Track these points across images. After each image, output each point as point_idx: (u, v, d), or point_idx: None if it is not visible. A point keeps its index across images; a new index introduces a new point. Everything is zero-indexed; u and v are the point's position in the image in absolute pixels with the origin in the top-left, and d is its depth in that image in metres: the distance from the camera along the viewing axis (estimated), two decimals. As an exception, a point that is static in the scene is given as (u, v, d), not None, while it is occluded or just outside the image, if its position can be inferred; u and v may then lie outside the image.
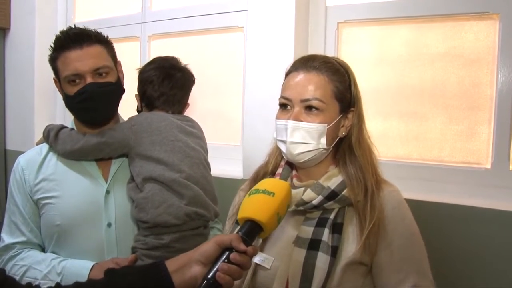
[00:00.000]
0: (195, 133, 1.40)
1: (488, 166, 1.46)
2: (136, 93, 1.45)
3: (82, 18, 2.51)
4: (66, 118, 2.53)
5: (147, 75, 1.42)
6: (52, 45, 1.30)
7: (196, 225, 1.31)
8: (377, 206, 1.03)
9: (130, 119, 1.36)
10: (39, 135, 2.41)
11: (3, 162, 2.60)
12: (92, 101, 1.28)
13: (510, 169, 1.42)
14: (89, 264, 1.25)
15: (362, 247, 1.00)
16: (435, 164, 1.55)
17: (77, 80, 1.27)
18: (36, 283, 1.20)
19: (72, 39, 1.26)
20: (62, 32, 1.29)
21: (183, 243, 1.26)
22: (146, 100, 1.42)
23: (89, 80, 1.26)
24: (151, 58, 2.18)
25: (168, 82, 1.40)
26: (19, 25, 2.52)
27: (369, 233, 1.00)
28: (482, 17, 1.47)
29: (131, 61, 2.25)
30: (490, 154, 1.46)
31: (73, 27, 1.32)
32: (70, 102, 1.30)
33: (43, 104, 2.47)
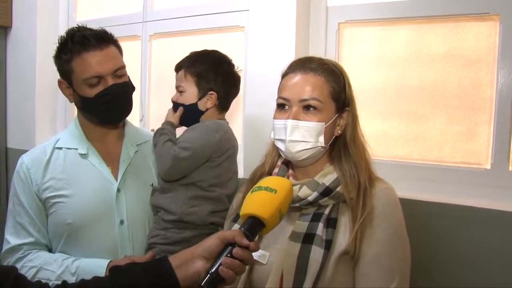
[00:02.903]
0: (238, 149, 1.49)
1: (488, 166, 1.46)
2: (212, 86, 1.42)
3: (84, 17, 2.51)
4: (67, 117, 2.54)
5: (234, 73, 1.47)
6: (60, 46, 1.29)
7: (214, 227, 1.38)
8: (368, 203, 1.05)
9: (215, 131, 1.37)
10: (40, 133, 2.46)
11: (4, 161, 2.61)
12: (116, 102, 1.31)
13: (509, 170, 1.42)
14: (104, 262, 1.24)
15: (353, 241, 1.03)
16: (435, 164, 1.55)
17: (98, 82, 1.27)
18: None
19: (91, 40, 1.26)
20: (76, 33, 1.28)
21: (201, 240, 1.30)
22: (225, 101, 1.46)
23: (110, 81, 1.28)
24: (152, 58, 2.22)
25: (237, 87, 1.51)
26: (21, 23, 2.52)
27: (359, 227, 1.03)
28: (482, 18, 1.47)
29: (132, 61, 2.26)
30: (490, 155, 1.46)
31: (82, 27, 1.32)
32: (90, 104, 1.31)
33: (44, 102, 2.47)
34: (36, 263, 1.28)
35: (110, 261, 1.25)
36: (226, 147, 1.38)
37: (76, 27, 1.32)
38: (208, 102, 1.41)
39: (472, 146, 1.50)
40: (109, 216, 1.32)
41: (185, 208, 1.32)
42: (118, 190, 1.35)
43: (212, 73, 1.40)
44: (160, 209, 1.35)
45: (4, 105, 2.60)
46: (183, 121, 1.45)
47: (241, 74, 1.54)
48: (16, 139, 2.57)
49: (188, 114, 1.43)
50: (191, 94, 1.41)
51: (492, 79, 1.45)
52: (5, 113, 2.61)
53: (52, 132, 2.47)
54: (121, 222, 1.33)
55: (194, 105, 1.41)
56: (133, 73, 2.22)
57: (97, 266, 1.24)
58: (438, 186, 1.50)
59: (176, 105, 1.45)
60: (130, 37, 2.27)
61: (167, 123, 1.42)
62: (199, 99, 1.41)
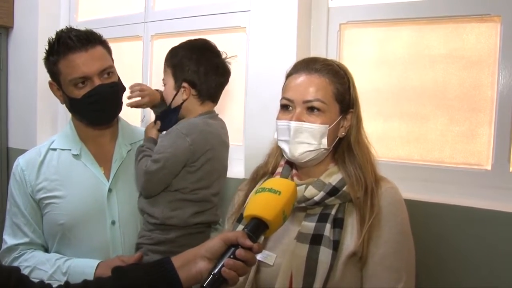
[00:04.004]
0: (228, 144, 1.43)
1: (489, 167, 1.47)
2: (186, 75, 1.36)
3: (85, 17, 2.51)
4: (68, 117, 2.53)
5: (212, 59, 1.38)
6: (49, 48, 1.30)
7: (201, 226, 1.36)
8: (376, 204, 1.06)
9: (185, 135, 1.29)
10: (41, 133, 2.46)
11: (5, 160, 2.61)
12: (104, 102, 1.30)
13: (510, 171, 1.43)
14: (94, 262, 1.26)
15: (361, 243, 1.03)
16: (435, 165, 1.55)
17: (84, 83, 1.28)
18: None
19: (76, 42, 1.26)
20: (62, 35, 1.28)
21: (187, 239, 1.29)
22: (205, 89, 1.37)
23: (97, 81, 1.28)
24: (154, 58, 2.23)
25: (220, 74, 1.41)
26: (22, 24, 2.53)
27: (368, 228, 1.03)
28: (483, 19, 1.47)
29: (133, 61, 2.26)
30: (491, 156, 1.46)
31: (69, 28, 1.32)
32: (78, 105, 1.31)
33: (46, 102, 2.47)
34: (31, 262, 1.29)
35: (101, 261, 1.27)
36: (203, 149, 1.31)
37: (64, 29, 1.33)
38: (184, 94, 1.36)
39: (472, 147, 1.50)
40: (101, 217, 1.33)
41: (166, 212, 1.30)
42: (110, 190, 1.35)
43: (186, 61, 1.35)
44: (144, 213, 1.34)
45: (5, 104, 2.60)
46: (164, 128, 1.41)
47: (236, 61, 1.46)
48: (17, 139, 2.58)
49: (166, 121, 1.39)
50: (169, 86, 1.38)
51: (493, 80, 1.45)
52: (7, 113, 2.61)
53: (53, 132, 2.47)
54: (113, 222, 1.33)
55: (168, 108, 1.39)
56: (135, 74, 2.23)
57: (87, 267, 1.25)
58: (438, 187, 1.51)
59: (156, 118, 1.44)
60: (131, 38, 2.26)
61: (146, 140, 1.39)
62: (176, 90, 1.37)
